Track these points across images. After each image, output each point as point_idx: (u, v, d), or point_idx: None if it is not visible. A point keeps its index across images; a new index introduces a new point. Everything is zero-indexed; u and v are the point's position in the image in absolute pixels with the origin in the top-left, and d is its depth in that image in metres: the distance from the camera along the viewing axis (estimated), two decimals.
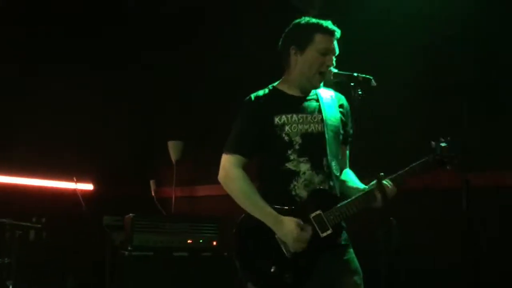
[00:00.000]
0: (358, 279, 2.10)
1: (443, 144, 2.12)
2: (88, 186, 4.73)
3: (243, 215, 2.14)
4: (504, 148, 3.13)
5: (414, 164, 2.12)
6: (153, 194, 4.95)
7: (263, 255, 2.06)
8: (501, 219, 3.09)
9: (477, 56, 3.26)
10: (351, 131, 2.28)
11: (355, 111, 2.08)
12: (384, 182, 2.04)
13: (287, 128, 2.14)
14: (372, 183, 2.11)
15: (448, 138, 2.14)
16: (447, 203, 3.18)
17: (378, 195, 2.02)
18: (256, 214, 2.09)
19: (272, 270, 2.02)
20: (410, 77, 3.47)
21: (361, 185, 2.19)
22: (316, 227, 2.05)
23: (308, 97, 2.23)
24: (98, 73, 4.73)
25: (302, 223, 2.05)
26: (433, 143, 2.14)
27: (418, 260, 3.17)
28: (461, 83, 3.25)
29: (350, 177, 2.28)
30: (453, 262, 3.09)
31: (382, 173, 2.00)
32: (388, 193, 2.04)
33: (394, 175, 2.11)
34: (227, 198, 2.21)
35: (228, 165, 2.16)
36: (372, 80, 2.03)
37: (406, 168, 2.12)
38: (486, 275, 3.04)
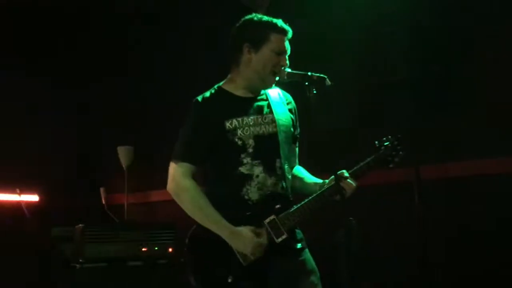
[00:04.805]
0: (315, 279, 2.09)
1: (386, 144, 2.16)
2: (33, 197, 4.50)
3: (194, 227, 2.07)
4: (452, 140, 3.22)
5: (361, 164, 2.13)
6: (103, 202, 4.78)
7: (219, 266, 2.01)
8: (454, 210, 3.18)
9: (423, 52, 3.33)
10: (299, 129, 2.27)
11: (310, 110, 2.05)
12: (347, 179, 2.04)
13: (239, 132, 2.08)
14: (326, 181, 2.10)
15: (390, 136, 2.17)
16: (400, 197, 3.24)
17: (337, 197, 2.01)
18: (209, 226, 2.03)
19: (229, 280, 1.97)
20: (357, 75, 3.51)
21: (318, 180, 2.17)
22: (271, 233, 2.01)
23: (258, 97, 2.18)
24: (41, 78, 4.54)
25: (257, 230, 2.01)
26: (377, 142, 2.17)
27: (375, 259, 3.20)
28: (407, 79, 3.33)
29: (304, 173, 2.26)
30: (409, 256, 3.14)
31: (339, 172, 1.98)
32: (347, 190, 2.03)
33: (350, 171, 2.09)
34: None
35: (178, 175, 2.08)
36: (327, 79, 2.02)
37: (355, 167, 2.11)
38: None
